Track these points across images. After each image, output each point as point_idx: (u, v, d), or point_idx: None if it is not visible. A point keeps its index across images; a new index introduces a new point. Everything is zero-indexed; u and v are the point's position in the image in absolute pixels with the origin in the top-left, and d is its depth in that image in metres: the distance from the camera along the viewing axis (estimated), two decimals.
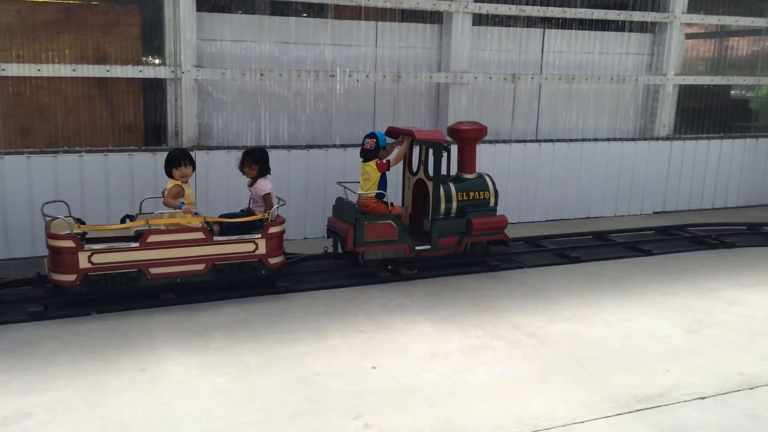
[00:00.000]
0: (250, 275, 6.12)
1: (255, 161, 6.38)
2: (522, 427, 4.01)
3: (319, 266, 6.97)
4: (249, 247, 6.04)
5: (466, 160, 7.27)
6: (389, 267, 6.80)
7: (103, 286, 5.67)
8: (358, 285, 6.54)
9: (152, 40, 7.79)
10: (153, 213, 5.91)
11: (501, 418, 4.10)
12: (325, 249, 7.09)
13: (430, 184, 6.95)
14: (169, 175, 6.06)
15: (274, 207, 6.22)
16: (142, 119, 7.86)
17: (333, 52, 8.47)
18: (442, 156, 6.87)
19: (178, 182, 6.02)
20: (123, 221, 6.09)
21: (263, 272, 6.15)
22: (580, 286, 6.74)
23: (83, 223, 6.03)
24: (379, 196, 6.76)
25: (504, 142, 9.27)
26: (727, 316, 5.94)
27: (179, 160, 6.02)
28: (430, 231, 6.96)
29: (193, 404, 4.21)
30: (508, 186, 9.01)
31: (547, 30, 9.59)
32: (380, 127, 8.86)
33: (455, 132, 7.25)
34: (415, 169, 7.28)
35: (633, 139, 10.06)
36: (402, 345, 5.18)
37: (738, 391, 4.53)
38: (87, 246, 5.61)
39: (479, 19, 9.08)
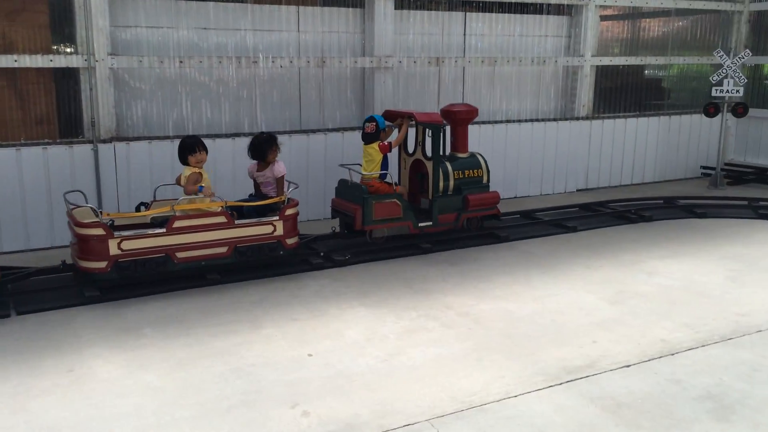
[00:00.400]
0: (270, 256, 6.32)
1: (277, 146, 6.55)
2: (458, 404, 4.08)
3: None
4: (268, 229, 6.27)
5: (459, 141, 7.64)
6: (321, 254, 6.76)
7: (133, 271, 5.81)
8: (291, 273, 6.48)
9: (63, 27, 7.42)
10: (176, 199, 6.06)
11: (437, 398, 4.16)
12: (333, 229, 7.40)
13: (428, 164, 7.28)
14: (184, 162, 6.11)
15: (289, 189, 6.46)
16: (56, 111, 7.49)
17: (254, 37, 8.30)
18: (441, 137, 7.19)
19: (195, 169, 6.07)
20: (138, 209, 6.23)
21: (281, 252, 6.37)
22: (509, 264, 6.89)
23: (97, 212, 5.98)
24: (383, 177, 7.08)
25: None
26: (647, 287, 6.20)
27: (194, 147, 6.07)
28: (428, 208, 7.33)
29: (123, 403, 4.08)
30: None
31: (468, 13, 9.69)
32: (306, 113, 8.79)
33: (448, 114, 7.57)
34: (411, 150, 7.58)
35: (555, 120, 10.33)
36: (337, 331, 5.17)
37: (660, 357, 4.74)
38: (116, 233, 5.69)
39: (401, 3, 9.08)
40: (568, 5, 10.34)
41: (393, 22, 8.92)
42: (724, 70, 10.42)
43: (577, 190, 10.58)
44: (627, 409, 4.02)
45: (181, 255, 5.96)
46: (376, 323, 5.33)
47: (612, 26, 11.62)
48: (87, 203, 6.07)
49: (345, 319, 5.41)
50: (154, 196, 6.52)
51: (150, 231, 5.88)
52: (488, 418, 3.93)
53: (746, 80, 10.66)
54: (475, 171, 7.56)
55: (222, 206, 6.10)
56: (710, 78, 10.73)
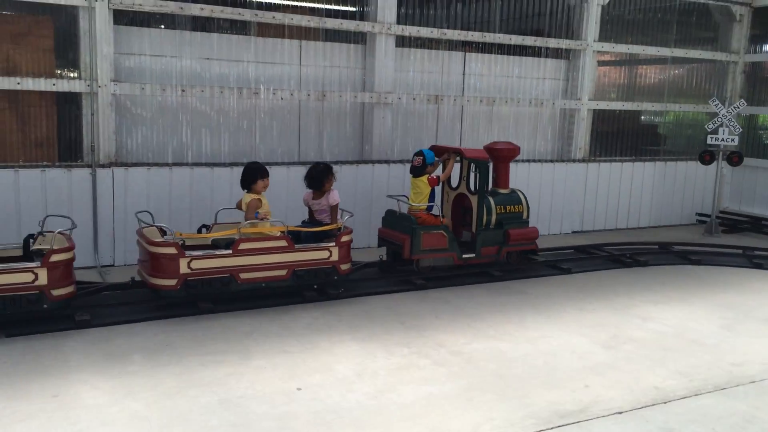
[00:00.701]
0: (326, 281, 6.62)
1: (333, 175, 6.87)
2: None
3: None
4: (324, 254, 6.57)
5: (501, 177, 8.00)
6: (315, 287, 6.73)
7: (200, 290, 6.05)
8: (283, 305, 6.44)
9: (67, 52, 7.49)
10: (238, 222, 6.40)
11: None
12: (380, 257, 7.70)
13: (472, 198, 7.68)
14: (247, 187, 6.50)
15: (345, 217, 6.77)
16: (56, 134, 7.51)
17: (257, 69, 8.39)
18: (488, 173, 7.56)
19: (255, 195, 6.46)
20: (199, 231, 6.57)
21: (335, 278, 6.64)
22: (503, 303, 6.87)
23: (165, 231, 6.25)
24: (429, 209, 7.42)
25: None
26: (641, 332, 6.18)
27: (264, 172, 6.50)
28: (470, 241, 7.68)
29: (108, 431, 4.01)
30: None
31: (468, 53, 9.83)
32: (305, 146, 8.84)
33: (491, 151, 7.86)
34: (455, 184, 7.90)
35: (551, 161, 10.40)
36: (328, 365, 5.11)
37: (653, 405, 4.69)
38: (187, 253, 5.95)
39: (402, 41, 9.22)
40: (566, 49, 10.50)
41: (393, 59, 9.04)
42: (720, 119, 10.55)
43: (573, 232, 10.60)
44: None
45: (244, 276, 6.23)
46: (367, 358, 5.28)
47: (610, 71, 11.79)
48: (154, 222, 6.33)
49: (336, 353, 5.36)
50: (216, 219, 6.76)
51: (218, 252, 6.14)
52: None
53: (741, 129, 10.79)
54: (516, 207, 7.88)
55: (284, 231, 6.36)
56: (706, 126, 10.85)
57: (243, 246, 6.18)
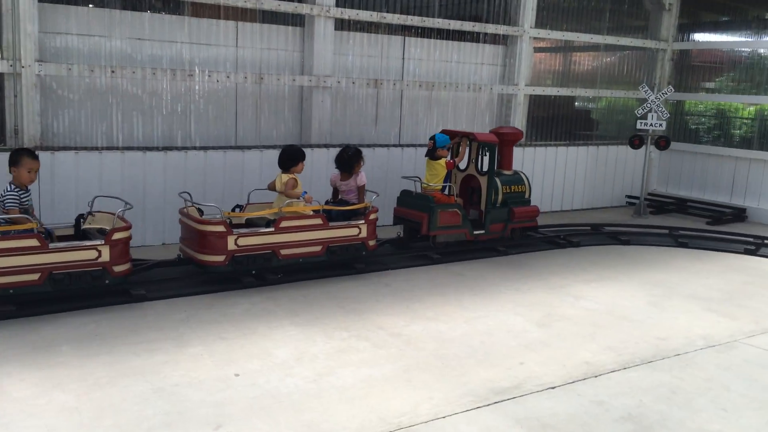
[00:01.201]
0: (355, 255, 7.10)
1: (362, 158, 7.38)
2: (386, 426, 4.05)
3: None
4: (354, 231, 7.03)
5: (506, 159, 8.63)
6: (253, 272, 6.65)
7: (245, 265, 6.45)
8: (221, 291, 6.34)
9: None
10: (271, 202, 6.91)
11: (366, 419, 4.12)
12: (398, 234, 8.22)
13: (481, 179, 8.32)
14: (285, 169, 6.89)
15: (373, 197, 7.30)
16: None
17: (191, 50, 8.18)
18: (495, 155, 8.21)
19: (292, 175, 6.86)
20: (233, 210, 6.90)
21: (363, 253, 7.15)
22: (441, 285, 6.95)
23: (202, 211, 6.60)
24: (443, 189, 8.06)
25: (368, 146, 9.35)
26: (574, 310, 6.36)
27: (304, 155, 6.98)
28: (478, 219, 8.34)
29: (36, 424, 3.87)
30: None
31: (407, 38, 9.83)
32: (242, 130, 8.71)
33: (498, 135, 8.44)
34: (463, 166, 8.51)
35: None
36: (266, 350, 5.07)
37: (584, 379, 4.84)
38: (235, 230, 6.37)
39: (341, 24, 9.14)
40: (503, 35, 10.64)
41: (333, 43, 8.96)
42: (649, 105, 10.90)
43: None
44: (551, 431, 4.08)
45: (284, 252, 6.66)
46: (305, 343, 5.25)
47: (546, 58, 12.01)
48: (193, 201, 6.61)
49: (274, 338, 5.32)
50: (248, 199, 7.11)
51: (262, 230, 6.55)
52: None
53: (669, 115, 11.18)
54: (519, 186, 8.56)
55: (320, 209, 6.81)
56: (635, 111, 11.20)
57: (284, 224, 6.62)
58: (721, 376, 4.97)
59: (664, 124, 10.96)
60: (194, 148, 8.14)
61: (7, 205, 5.56)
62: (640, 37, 12.25)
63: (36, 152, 5.94)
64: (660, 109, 10.86)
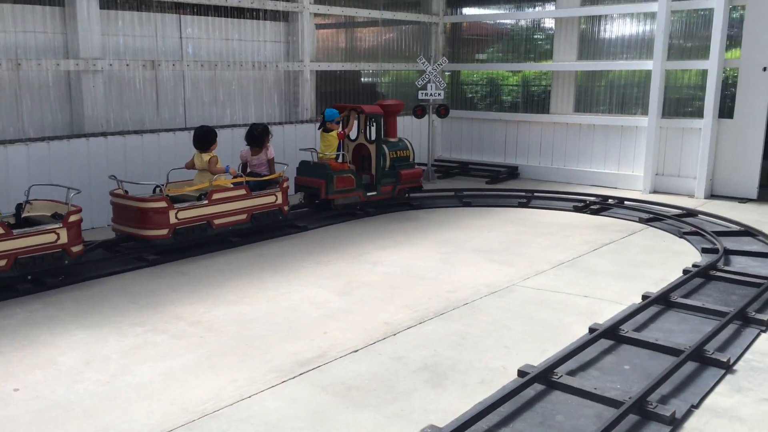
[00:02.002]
0: (274, 221, 8.03)
1: (270, 134, 8.16)
2: (190, 415, 3.92)
3: None
4: (272, 199, 7.95)
5: (390, 128, 9.64)
6: (29, 277, 6.04)
7: (184, 236, 7.15)
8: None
9: None
10: (191, 180, 7.69)
11: (167, 412, 3.95)
12: (300, 200, 9.09)
13: (370, 147, 9.30)
14: (205, 149, 7.57)
15: (284, 167, 8.28)
16: None
17: None
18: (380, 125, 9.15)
19: (214, 154, 7.58)
20: (154, 191, 7.11)
21: (280, 218, 8.09)
22: (242, 268, 6.84)
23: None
24: (337, 157, 8.86)
25: (151, 131, 8.87)
26: (373, 276, 6.59)
27: (215, 138, 7.66)
28: (371, 182, 9.24)
29: None
30: (150, 177, 8.41)
31: (183, 16, 9.41)
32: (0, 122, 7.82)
33: (382, 107, 9.42)
34: (353, 136, 9.45)
35: (281, 123, 10.50)
36: (50, 359, 4.65)
37: (384, 338, 5.06)
38: (176, 205, 7.05)
39: (107, 3, 8.51)
40: (283, 12, 10.59)
41: (99, 23, 8.32)
42: (427, 76, 11.52)
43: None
44: (356, 391, 4.22)
45: (217, 221, 7.41)
46: (96, 345, 4.90)
47: (331, 35, 12.18)
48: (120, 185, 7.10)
49: (58, 345, 4.89)
50: (167, 178, 7.56)
51: (197, 203, 7.22)
52: (221, 424, 3.84)
53: (446, 85, 11.91)
54: (404, 152, 9.54)
55: (243, 182, 7.60)
56: (416, 83, 11.78)
57: (216, 196, 7.34)
58: (503, 318, 5.46)
59: (443, 93, 11.66)
60: None
61: None
62: (414, 12, 12.86)
63: None
64: (437, 79, 11.53)
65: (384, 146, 9.27)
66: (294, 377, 4.42)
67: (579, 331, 5.13)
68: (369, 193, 9.13)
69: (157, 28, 9.14)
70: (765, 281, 6.07)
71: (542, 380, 4.24)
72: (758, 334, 5.11)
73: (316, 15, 11.02)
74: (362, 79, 12.75)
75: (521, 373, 4.35)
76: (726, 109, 10.56)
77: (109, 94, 8.61)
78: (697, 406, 4.05)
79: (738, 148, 10.43)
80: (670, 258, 7.19)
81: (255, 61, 10.26)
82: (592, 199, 9.96)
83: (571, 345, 4.73)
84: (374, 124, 9.19)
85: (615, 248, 7.58)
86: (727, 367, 4.52)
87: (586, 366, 4.56)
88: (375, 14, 11.93)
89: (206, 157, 7.53)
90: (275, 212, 7.98)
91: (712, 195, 10.60)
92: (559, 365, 4.40)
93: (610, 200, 9.94)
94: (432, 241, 7.87)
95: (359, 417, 3.92)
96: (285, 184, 8.09)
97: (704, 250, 7.33)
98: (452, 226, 8.66)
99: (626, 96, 11.51)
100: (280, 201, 7.99)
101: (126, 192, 7.07)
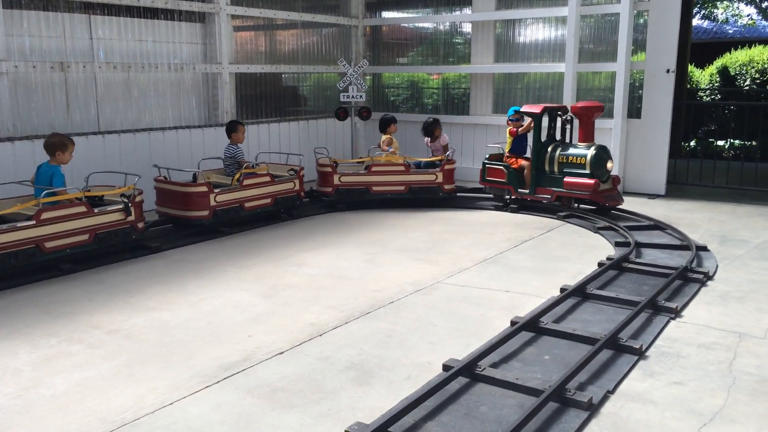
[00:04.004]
0: (434, 196, 9.67)
1: (440, 125, 10.31)
2: (108, 426, 3.78)
3: None
4: (431, 177, 9.60)
5: (583, 132, 9.37)
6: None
7: (346, 197, 9.48)
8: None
9: None
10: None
11: (84, 423, 3.80)
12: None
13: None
14: (384, 131, 10.09)
15: (450, 151, 9.92)
16: None
17: None
18: (542, 126, 9.53)
19: (390, 136, 10.01)
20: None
21: (440, 194, 9.67)
22: (163, 274, 6.66)
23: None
24: (512, 152, 9.79)
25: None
26: (297, 278, 6.54)
27: (394, 122, 10.26)
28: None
29: None
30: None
31: (93, 16, 9.08)
32: None
33: (572, 109, 9.42)
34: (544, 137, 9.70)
35: (200, 126, 10.28)
36: None
37: (310, 339, 5.03)
38: (339, 170, 9.47)
39: (11, 2, 8.11)
40: (199, 13, 10.38)
41: (3, 23, 7.92)
42: (348, 78, 11.54)
43: None
44: (281, 393, 4.18)
45: (375, 188, 9.59)
46: (5, 357, 4.66)
47: (251, 37, 12.01)
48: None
49: None
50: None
51: (360, 171, 9.70)
52: None
53: (367, 87, 11.96)
54: (578, 159, 9.14)
55: (404, 160, 9.60)
56: (337, 85, 11.78)
57: (375, 169, 9.50)
58: (428, 315, 5.53)
59: (364, 95, 11.70)
60: None
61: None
62: (333, 15, 12.86)
63: None
64: (359, 81, 11.57)
65: (557, 149, 9.45)
66: (218, 382, 4.33)
67: (501, 325, 5.26)
68: (521, 190, 9.76)
69: (66, 28, 8.78)
70: (673, 271, 6.40)
71: (466, 373, 4.32)
72: (668, 321, 5.37)
73: (233, 16, 10.85)
74: (284, 82, 12.64)
75: (446, 367, 4.41)
76: (634, 110, 11.08)
77: (15, 97, 8.21)
78: (612, 392, 4.21)
79: (646, 147, 10.95)
80: (586, 252, 7.47)
81: (171, 63, 10.01)
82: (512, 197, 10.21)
83: (493, 338, 4.84)
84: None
85: (534, 244, 7.81)
86: (640, 354, 4.73)
87: (509, 358, 4.68)
88: (294, 16, 11.87)
89: (385, 137, 10.02)
90: (435, 189, 9.59)
91: (624, 192, 11.09)
92: (483, 358, 4.49)
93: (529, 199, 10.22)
94: (357, 242, 7.88)
95: (285, 418, 3.88)
96: (448, 166, 9.63)
97: (617, 244, 7.65)
98: (377, 226, 8.71)
99: (542, 98, 11.88)
100: (440, 180, 9.56)
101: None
